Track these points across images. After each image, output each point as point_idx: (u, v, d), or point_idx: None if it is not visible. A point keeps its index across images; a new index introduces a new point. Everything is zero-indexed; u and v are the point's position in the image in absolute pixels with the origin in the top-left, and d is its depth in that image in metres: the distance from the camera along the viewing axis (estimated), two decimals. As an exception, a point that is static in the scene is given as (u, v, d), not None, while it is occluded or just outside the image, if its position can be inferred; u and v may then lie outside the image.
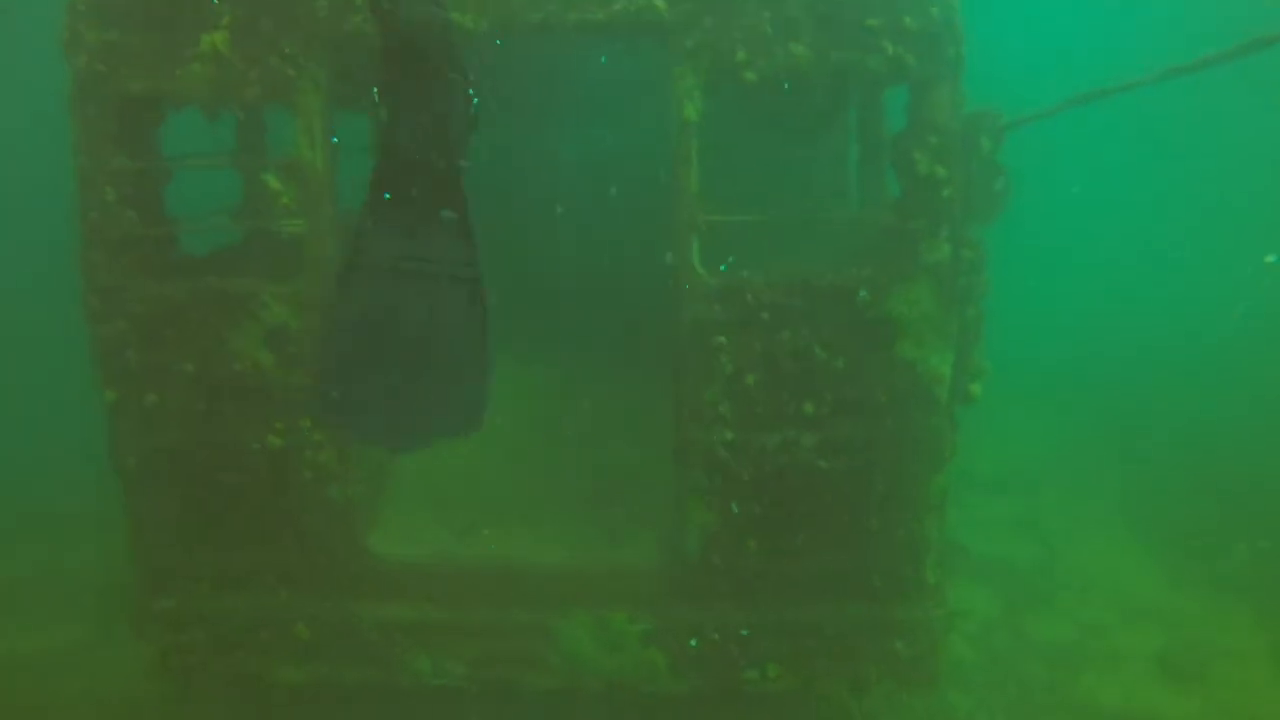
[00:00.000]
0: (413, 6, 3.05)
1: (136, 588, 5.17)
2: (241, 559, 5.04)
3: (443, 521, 5.53)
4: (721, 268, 4.29)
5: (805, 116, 5.38)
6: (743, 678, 5.01)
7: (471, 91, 3.27)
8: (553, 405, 6.77)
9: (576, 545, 5.31)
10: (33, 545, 8.70)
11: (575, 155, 7.63)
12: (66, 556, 8.49)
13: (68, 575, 8.20)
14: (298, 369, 4.74)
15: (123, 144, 4.64)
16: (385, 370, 3.24)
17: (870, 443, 4.68)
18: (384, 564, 5.10)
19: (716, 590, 4.95)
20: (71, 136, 4.62)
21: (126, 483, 4.98)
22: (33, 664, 6.94)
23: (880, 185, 5.08)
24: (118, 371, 4.81)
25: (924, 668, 4.98)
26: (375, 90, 3.14)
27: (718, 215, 4.48)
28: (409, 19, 3.12)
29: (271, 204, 4.62)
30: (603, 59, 4.85)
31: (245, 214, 5.89)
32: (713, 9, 4.30)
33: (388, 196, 3.22)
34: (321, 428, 3.50)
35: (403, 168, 3.20)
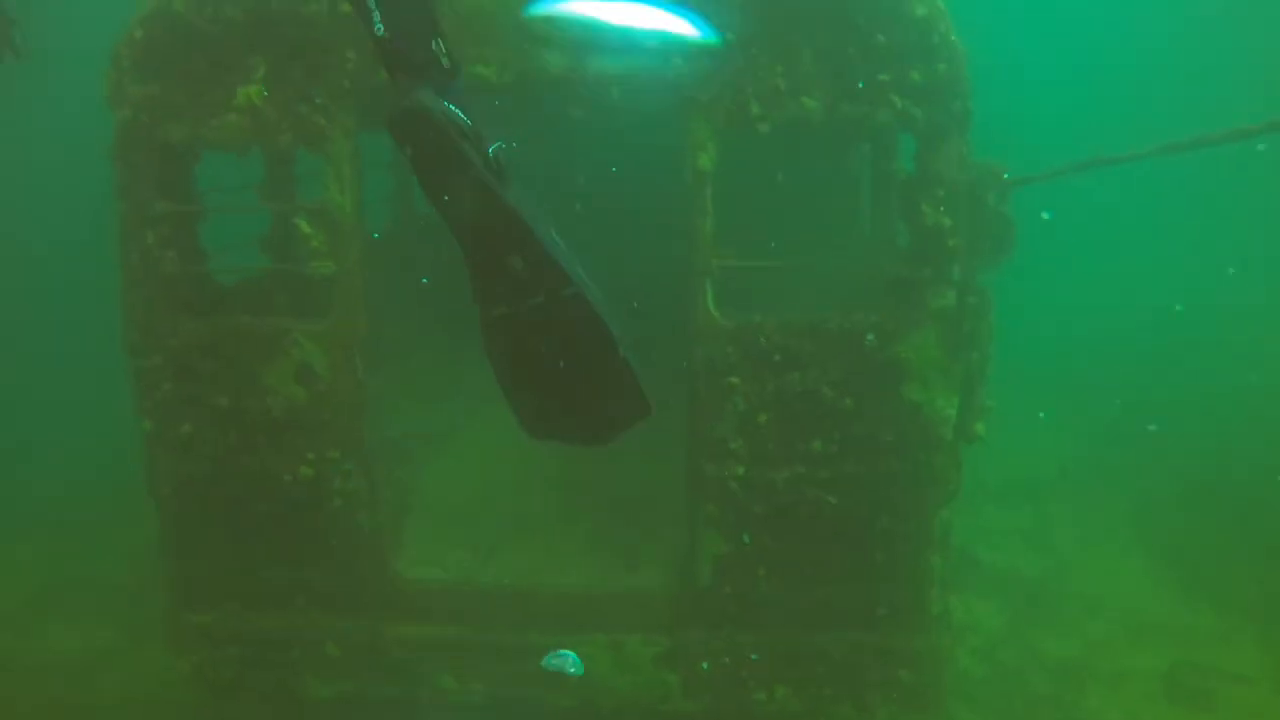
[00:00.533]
0: (401, 101, 3.23)
1: (170, 603, 5.44)
2: (274, 580, 5.29)
3: (465, 543, 5.75)
4: None
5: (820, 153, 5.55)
6: (752, 699, 5.21)
7: (489, 147, 3.41)
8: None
9: (594, 568, 5.52)
10: (62, 547, 9.04)
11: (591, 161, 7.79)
12: (96, 559, 8.81)
13: (99, 578, 8.52)
14: (328, 403, 4.97)
15: (163, 190, 4.87)
16: (550, 391, 3.46)
17: (877, 479, 4.85)
18: (410, 586, 5.34)
19: (728, 616, 5.15)
20: (115, 182, 4.86)
21: (162, 507, 5.24)
22: (72, 666, 7.26)
23: (892, 220, 5.22)
24: (155, 403, 5.05)
25: (927, 695, 5.16)
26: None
27: (732, 260, 4.65)
28: (391, 118, 3.32)
29: (303, 246, 4.84)
30: None
31: (275, 245, 6.11)
32: (728, 64, 4.44)
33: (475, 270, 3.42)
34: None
35: (466, 241, 3.41)
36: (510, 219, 3.39)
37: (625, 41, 3.51)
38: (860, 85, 4.41)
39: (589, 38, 3.48)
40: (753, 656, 5.14)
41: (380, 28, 3.35)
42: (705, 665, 5.17)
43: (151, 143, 4.77)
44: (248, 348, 4.94)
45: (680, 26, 3.59)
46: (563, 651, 5.03)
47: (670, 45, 3.63)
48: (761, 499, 4.90)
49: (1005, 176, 4.47)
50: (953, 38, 4.41)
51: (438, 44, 3.42)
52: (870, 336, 4.64)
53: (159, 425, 5.08)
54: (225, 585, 5.32)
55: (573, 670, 4.98)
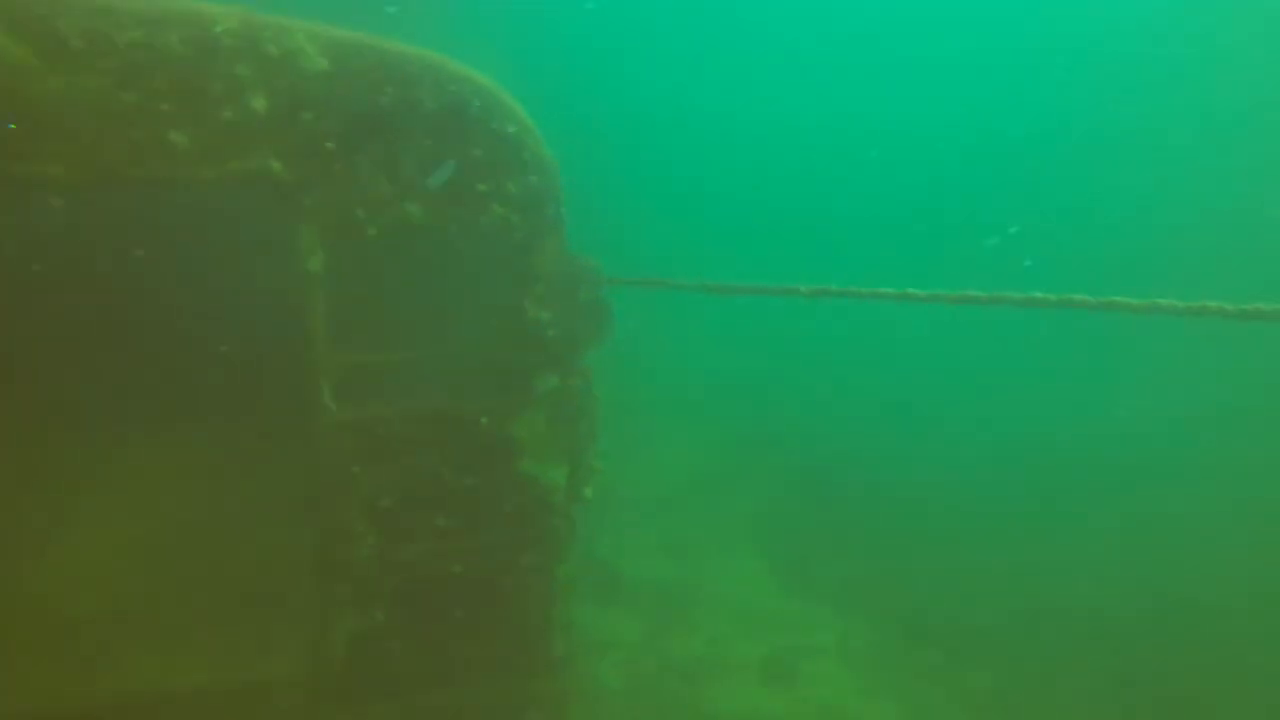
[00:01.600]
0: None
1: None
2: None
3: (68, 650, 5.35)
4: None
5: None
6: (397, 762, 5.45)
7: None
8: (184, 492, 6.61)
9: (222, 658, 5.40)
10: None
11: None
12: None
13: None
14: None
15: None
16: None
17: (499, 546, 5.29)
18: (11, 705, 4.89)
19: (367, 688, 5.33)
20: None
21: None
22: None
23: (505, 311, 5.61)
24: None
25: (556, 730, 5.73)
26: None
27: (351, 354, 4.82)
28: None
29: None
30: None
31: None
32: (330, 171, 4.59)
33: None
34: None
35: None
36: None
37: None
38: (460, 194, 4.78)
39: None
40: (394, 722, 5.38)
41: None
42: (347, 740, 5.31)
43: None
44: None
45: None
46: None
47: None
48: (391, 575, 5.13)
49: (601, 274, 5.09)
50: (543, 152, 4.92)
51: None
52: (484, 419, 5.06)
53: None
54: None
55: None
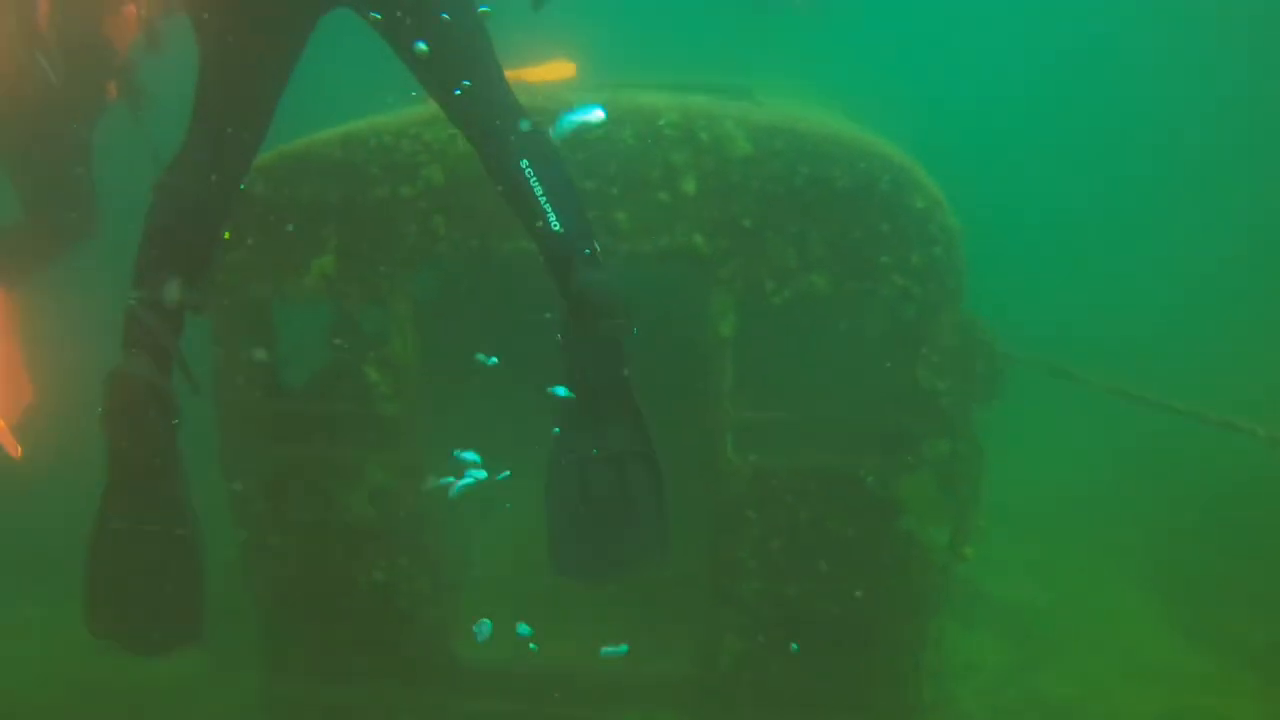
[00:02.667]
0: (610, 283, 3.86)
1: (264, 676, 6.34)
2: (353, 661, 6.14)
3: (511, 623, 6.51)
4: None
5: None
6: (768, 772, 5.99)
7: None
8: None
9: (629, 649, 6.28)
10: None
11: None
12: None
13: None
14: (396, 519, 5.72)
15: (251, 338, 5.57)
16: (592, 529, 4.15)
17: (876, 594, 5.51)
18: (469, 667, 6.15)
19: (745, 700, 5.90)
20: (211, 329, 5.56)
21: (258, 599, 6.09)
22: (166, 693, 8.15)
23: (895, 377, 5.69)
24: (247, 516, 5.85)
25: (919, 768, 5.90)
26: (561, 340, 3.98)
27: (753, 411, 5.27)
28: (606, 300, 3.90)
29: (370, 391, 5.53)
30: None
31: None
32: (744, 246, 4.99)
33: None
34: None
35: (586, 393, 4.07)
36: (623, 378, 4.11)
37: None
38: (863, 266, 4.94)
39: None
40: (767, 736, 5.90)
41: (557, 225, 3.92)
42: (726, 742, 5.94)
43: (240, 300, 5.46)
44: (329, 473, 5.69)
45: None
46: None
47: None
48: (774, 609, 5.60)
49: (995, 347, 5.00)
50: (950, 223, 4.90)
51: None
52: (870, 479, 5.25)
53: (251, 535, 5.89)
54: (311, 663, 6.19)
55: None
